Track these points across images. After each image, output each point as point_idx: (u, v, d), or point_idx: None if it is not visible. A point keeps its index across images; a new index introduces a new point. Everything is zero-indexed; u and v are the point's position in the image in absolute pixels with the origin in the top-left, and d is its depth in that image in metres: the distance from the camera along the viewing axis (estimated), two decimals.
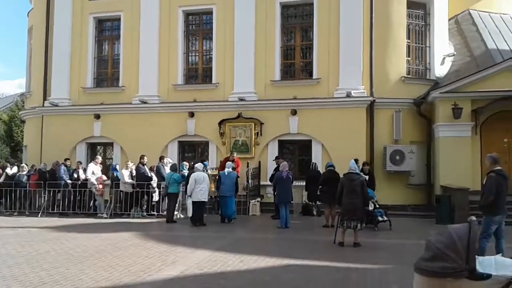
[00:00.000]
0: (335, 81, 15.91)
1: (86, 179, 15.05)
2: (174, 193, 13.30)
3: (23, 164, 17.12)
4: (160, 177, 14.32)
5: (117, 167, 15.24)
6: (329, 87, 15.98)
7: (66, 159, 16.04)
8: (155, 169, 14.77)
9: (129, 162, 14.91)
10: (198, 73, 17.93)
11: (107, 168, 16.47)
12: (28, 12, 21.70)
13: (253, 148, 16.30)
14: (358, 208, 9.45)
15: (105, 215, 14.36)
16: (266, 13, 16.59)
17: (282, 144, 16.64)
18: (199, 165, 13.16)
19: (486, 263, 3.50)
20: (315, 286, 6.48)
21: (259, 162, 16.04)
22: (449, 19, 18.32)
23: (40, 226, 12.29)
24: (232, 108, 16.58)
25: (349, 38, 15.78)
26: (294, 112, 16.04)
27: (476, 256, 3.38)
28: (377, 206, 12.10)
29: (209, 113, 16.79)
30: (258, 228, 12.67)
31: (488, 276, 3.27)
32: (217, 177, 13.82)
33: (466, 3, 19.33)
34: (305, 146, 16.46)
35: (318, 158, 15.55)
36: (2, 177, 16.02)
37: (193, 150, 17.89)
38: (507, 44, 16.58)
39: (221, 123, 16.54)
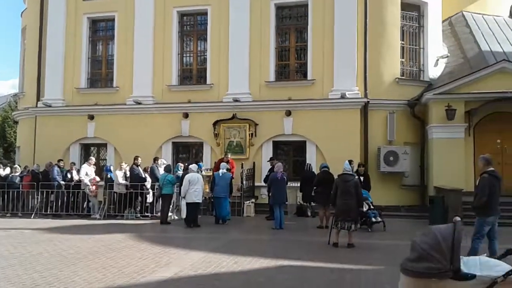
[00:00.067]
0: (329, 82, 15.94)
1: (79, 180, 14.97)
2: (168, 194, 13.27)
3: (16, 165, 17.01)
4: (154, 178, 14.28)
5: (111, 168, 15.18)
6: (324, 88, 16.01)
7: (59, 160, 15.96)
8: (149, 170, 14.73)
9: (123, 163, 14.86)
10: (193, 74, 17.91)
11: (101, 169, 16.41)
12: (22, 12, 21.60)
13: (248, 149, 16.29)
14: (352, 209, 9.48)
15: (97, 216, 14.31)
16: (261, 14, 16.60)
17: (277, 145, 16.65)
18: (193, 166, 13.13)
19: (471, 264, 3.52)
20: (309, 287, 6.48)
21: (254, 163, 16.04)
22: (443, 21, 18.43)
23: (33, 228, 12.22)
24: (226, 109, 16.57)
25: (344, 39, 15.82)
26: (288, 113, 16.06)
27: (461, 257, 3.39)
28: (372, 207, 12.12)
29: (203, 114, 16.77)
30: (253, 229, 12.66)
31: (473, 276, 3.28)
32: (211, 178, 13.79)
33: (459, 5, 19.45)
34: (299, 147, 16.48)
35: (312, 159, 15.58)
36: None
37: (187, 151, 17.85)
38: (500, 46, 16.69)
39: (215, 124, 16.52)
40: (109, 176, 14.71)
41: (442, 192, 13.74)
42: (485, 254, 3.65)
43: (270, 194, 12.65)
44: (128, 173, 14.52)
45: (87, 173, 14.94)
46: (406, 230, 12.38)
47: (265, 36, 16.57)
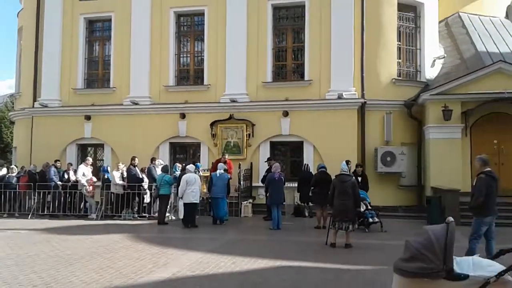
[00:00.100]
0: (326, 83, 15.96)
1: (76, 181, 14.93)
2: (165, 194, 13.25)
3: (12, 166, 16.97)
4: (152, 178, 14.26)
5: (108, 168, 15.15)
6: (321, 89, 16.03)
7: (56, 161, 15.92)
8: (146, 170, 14.71)
9: (120, 164, 14.83)
10: (190, 75, 17.89)
11: (98, 170, 16.38)
12: (18, 13, 21.52)
13: (245, 150, 16.29)
14: (350, 209, 9.50)
15: (94, 216, 14.28)
16: (258, 14, 16.61)
17: (274, 146, 16.65)
18: (190, 167, 13.13)
19: (464, 264, 3.53)
20: (307, 287, 6.49)
21: (251, 163, 16.04)
22: (439, 22, 18.50)
23: (30, 228, 12.18)
24: (223, 109, 16.57)
25: (340, 40, 15.85)
26: (286, 114, 16.07)
27: (454, 257, 3.41)
28: (370, 207, 12.13)
29: (200, 115, 16.76)
30: (250, 230, 12.65)
31: (466, 276, 3.29)
32: (208, 179, 13.79)
33: (456, 6, 19.53)
34: (296, 148, 16.50)
35: (309, 160, 15.59)
36: None
37: (184, 152, 17.84)
38: (497, 47, 16.76)
39: (212, 124, 16.52)
40: (106, 176, 14.68)
41: (439, 193, 13.78)
42: (478, 255, 3.66)
43: (267, 195, 12.66)
44: (125, 174, 14.49)
45: (84, 173, 14.90)
46: (403, 230, 12.39)
47: (262, 36, 16.57)
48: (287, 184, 13.62)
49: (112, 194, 14.37)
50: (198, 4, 17.27)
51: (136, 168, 14.56)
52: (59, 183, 14.97)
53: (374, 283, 6.74)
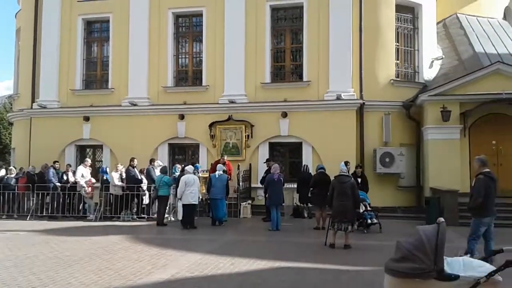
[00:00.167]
0: (325, 84, 15.97)
1: (75, 182, 14.91)
2: (164, 195, 13.24)
3: (11, 167, 16.93)
4: (150, 179, 14.25)
5: (107, 169, 15.13)
6: (319, 90, 16.04)
7: (55, 162, 15.89)
8: (145, 171, 14.70)
9: (119, 165, 14.81)
10: (188, 76, 17.89)
11: (97, 171, 16.36)
12: (16, 13, 21.52)
13: (244, 151, 16.29)
14: (349, 210, 9.51)
15: (92, 217, 14.28)
16: (256, 15, 16.62)
17: (273, 147, 16.65)
18: (189, 168, 13.12)
19: (454, 264, 3.55)
20: None
21: (250, 164, 16.04)
22: (437, 23, 18.53)
23: (29, 230, 12.16)
24: (222, 110, 16.57)
25: (339, 41, 15.87)
26: (284, 115, 16.08)
27: (445, 257, 3.42)
28: (369, 208, 12.12)
29: (199, 116, 16.76)
30: (249, 231, 12.65)
31: (456, 277, 3.30)
32: (207, 180, 13.78)
33: (454, 7, 19.57)
34: (295, 149, 16.50)
35: (308, 161, 15.59)
36: None
37: (183, 153, 17.83)
38: (495, 48, 16.79)
39: (211, 125, 16.52)
40: (105, 177, 14.67)
41: (438, 193, 13.80)
42: (468, 255, 3.69)
43: (266, 196, 12.66)
44: (124, 175, 14.48)
45: (82, 174, 14.89)
46: (402, 231, 12.39)
47: (260, 37, 16.58)
48: (286, 185, 13.61)
49: (111, 195, 14.35)
50: (197, 5, 17.28)
51: (135, 169, 14.54)
52: (58, 184, 14.94)
53: (373, 284, 6.74)
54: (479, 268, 3.43)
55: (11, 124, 23.44)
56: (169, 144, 17.36)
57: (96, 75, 18.71)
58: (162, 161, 15.95)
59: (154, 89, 17.38)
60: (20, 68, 20.47)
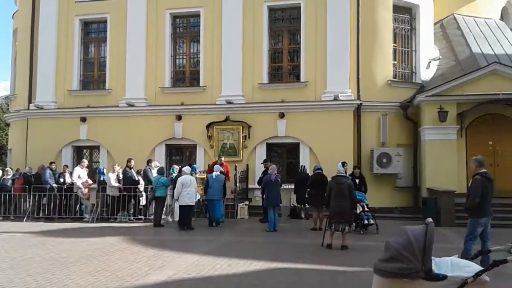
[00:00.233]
0: (322, 85, 15.98)
1: (72, 183, 14.87)
2: (161, 196, 13.22)
3: (7, 168, 16.84)
4: (147, 180, 14.22)
5: (104, 170, 15.10)
6: (317, 91, 16.05)
7: (51, 163, 15.84)
8: (142, 172, 14.67)
9: (116, 166, 14.79)
10: (186, 76, 17.87)
11: (94, 172, 16.33)
12: (13, 14, 21.46)
13: (241, 151, 16.28)
14: (346, 211, 9.51)
15: (88, 218, 14.25)
16: (254, 16, 16.61)
17: (270, 147, 16.65)
18: (186, 169, 13.09)
19: (442, 264, 3.57)
20: None
21: (247, 165, 16.03)
22: (435, 24, 18.58)
23: (25, 231, 12.12)
24: (219, 111, 16.55)
25: (336, 41, 15.88)
26: (282, 115, 16.08)
27: (432, 257, 3.43)
28: (367, 209, 12.11)
29: (196, 116, 16.74)
30: (246, 232, 12.64)
31: (444, 277, 3.32)
32: (205, 181, 13.76)
33: (451, 7, 19.60)
34: (293, 149, 16.50)
35: (306, 161, 15.59)
36: None
37: (180, 154, 17.80)
38: (492, 48, 16.83)
39: (208, 126, 16.50)
40: (102, 178, 14.62)
41: (435, 194, 13.82)
42: (456, 255, 3.71)
43: (264, 196, 12.64)
44: (121, 176, 14.45)
45: (79, 175, 14.84)
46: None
47: (258, 38, 16.58)
48: (284, 186, 13.61)
49: (108, 197, 14.32)
50: (194, 6, 17.26)
51: (132, 170, 14.52)
52: (55, 185, 14.90)
53: (370, 284, 6.64)
54: (466, 268, 3.46)
55: (7, 125, 23.37)
56: (166, 145, 17.33)
57: (93, 75, 18.68)
58: (159, 162, 15.91)
59: (152, 89, 17.35)
60: (17, 69, 20.42)
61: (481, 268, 3.38)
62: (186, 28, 18.06)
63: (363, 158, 15.73)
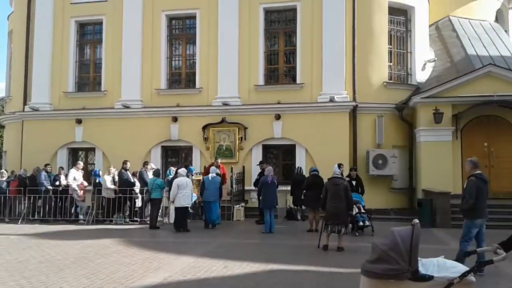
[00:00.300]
0: (318, 86, 16.01)
1: (67, 185, 14.81)
2: (157, 198, 13.19)
3: (2, 170, 16.71)
4: (143, 182, 14.19)
5: (99, 172, 15.05)
6: (313, 92, 16.07)
7: (46, 165, 15.78)
8: (137, 174, 14.63)
9: (112, 168, 14.74)
10: (182, 78, 17.86)
11: (89, 174, 16.28)
12: (8, 16, 21.39)
13: (237, 153, 16.28)
14: (342, 212, 9.51)
15: (82, 220, 14.21)
16: (250, 18, 16.63)
17: (266, 149, 16.65)
18: (182, 171, 13.07)
19: (429, 265, 3.60)
20: None
21: (243, 167, 16.02)
22: (430, 25, 18.66)
23: (20, 233, 12.06)
24: (216, 112, 16.55)
25: (332, 43, 15.92)
26: (278, 117, 16.09)
27: (419, 258, 3.46)
28: (363, 211, 12.12)
29: (192, 118, 16.73)
30: (243, 233, 12.62)
31: (430, 277, 3.34)
32: (201, 182, 13.74)
33: (446, 9, 19.69)
34: (289, 151, 16.51)
35: (302, 163, 15.59)
36: None
37: (176, 155, 17.78)
38: (486, 50, 16.90)
39: (205, 128, 16.49)
40: (97, 180, 14.59)
41: (430, 195, 13.86)
42: (442, 256, 3.74)
43: (260, 198, 12.63)
44: (116, 178, 14.40)
45: (75, 177, 14.79)
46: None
47: (254, 40, 16.59)
48: (280, 187, 13.60)
49: (104, 198, 14.25)
50: (190, 7, 17.26)
51: (128, 172, 14.48)
52: (50, 187, 14.84)
53: None
54: (452, 268, 3.48)
55: (2, 127, 23.26)
56: (162, 146, 17.31)
57: (88, 77, 18.63)
58: (155, 163, 15.87)
59: (147, 91, 17.32)
60: (12, 71, 20.34)
61: (467, 269, 3.41)
62: (182, 30, 18.05)
63: (359, 159, 15.75)
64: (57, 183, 14.98)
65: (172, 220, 12.86)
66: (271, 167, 12.99)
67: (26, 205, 14.92)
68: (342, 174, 10.62)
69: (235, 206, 14.75)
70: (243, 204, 15.16)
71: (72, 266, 7.91)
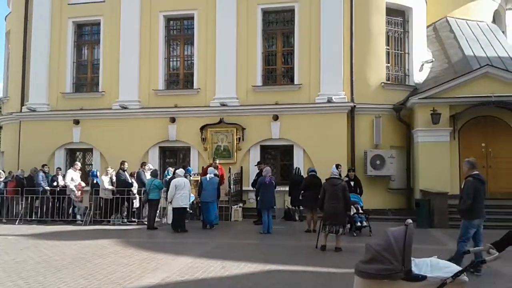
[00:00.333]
0: (316, 87, 16.02)
1: (65, 186, 14.78)
2: (154, 199, 13.17)
3: (0, 171, 16.73)
4: (141, 183, 14.17)
5: (97, 173, 15.03)
6: (310, 93, 16.08)
7: (44, 165, 15.73)
8: (135, 175, 14.62)
9: (109, 168, 14.71)
10: (179, 78, 17.85)
11: (87, 174, 16.25)
12: (6, 16, 21.35)
13: (235, 154, 16.27)
14: (340, 213, 9.53)
15: (80, 221, 14.18)
16: (248, 18, 16.63)
17: (264, 149, 16.65)
18: (179, 171, 13.07)
19: (422, 265, 3.62)
20: None
21: (241, 167, 16.01)
22: (427, 26, 18.70)
23: (18, 234, 12.03)
24: (213, 113, 16.54)
25: (330, 44, 15.92)
26: (276, 118, 16.09)
27: (412, 258, 3.47)
28: (361, 211, 12.12)
29: (190, 119, 16.72)
30: (240, 234, 12.62)
31: (423, 277, 3.36)
32: (199, 183, 13.73)
33: (443, 10, 19.73)
34: (287, 151, 16.52)
35: (300, 163, 15.59)
36: None
37: (174, 156, 17.76)
38: (484, 51, 16.94)
39: (202, 128, 16.48)
40: (95, 181, 14.56)
41: (428, 195, 13.87)
42: (435, 256, 3.76)
43: (258, 199, 12.63)
44: (114, 178, 14.38)
45: (72, 178, 14.76)
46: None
47: (252, 40, 16.59)
48: (278, 188, 13.60)
49: (101, 199, 14.24)
50: (188, 8, 17.25)
51: (126, 172, 14.46)
52: (47, 188, 14.81)
53: None
54: (445, 268, 3.50)
55: (0, 127, 23.20)
56: (160, 147, 17.29)
57: (86, 78, 18.61)
58: (153, 164, 15.87)
59: (145, 92, 17.31)
60: (9, 71, 20.31)
61: (460, 269, 3.43)
62: (180, 31, 18.05)
63: (356, 160, 15.76)
64: (55, 183, 14.95)
65: (170, 221, 12.84)
66: (269, 168, 13.01)
67: (23, 206, 14.89)
68: (340, 174, 10.63)
69: (233, 206, 14.74)
70: (241, 204, 15.16)
71: (69, 267, 7.90)
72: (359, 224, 11.80)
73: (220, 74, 16.59)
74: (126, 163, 14.58)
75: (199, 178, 14.20)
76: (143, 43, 17.38)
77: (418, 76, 17.04)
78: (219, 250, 9.83)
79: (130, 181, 14.29)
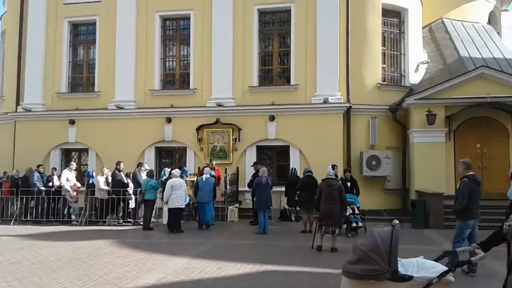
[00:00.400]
0: (312, 88, 16.04)
1: (60, 186, 14.73)
2: (150, 199, 13.14)
3: None
4: (137, 183, 14.14)
5: (93, 173, 14.98)
6: (307, 93, 16.10)
7: (39, 166, 15.68)
8: (131, 175, 14.58)
9: (105, 169, 14.67)
10: (176, 79, 17.82)
11: (82, 175, 16.19)
12: (1, 15, 21.25)
13: (231, 154, 16.26)
14: (336, 213, 9.53)
15: (75, 221, 14.14)
16: (244, 19, 16.63)
17: (260, 150, 16.66)
18: (175, 171, 13.05)
19: (408, 265, 3.64)
20: None
21: (237, 168, 16.01)
22: (423, 27, 18.77)
23: (13, 234, 11.98)
24: (210, 113, 16.53)
25: (326, 45, 15.95)
26: (272, 118, 16.10)
27: (399, 259, 3.49)
28: (357, 212, 12.13)
29: (186, 119, 16.69)
30: (236, 234, 12.60)
31: (410, 277, 3.38)
32: (194, 183, 13.72)
33: (439, 11, 19.81)
34: (283, 152, 16.53)
35: (296, 164, 15.61)
36: None
37: (170, 156, 17.74)
38: (479, 52, 17.02)
39: (199, 128, 16.46)
40: (90, 181, 14.51)
41: (423, 196, 13.91)
42: (421, 256, 3.77)
43: (254, 199, 12.62)
44: (110, 179, 14.34)
45: (68, 178, 14.71)
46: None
47: (248, 41, 16.59)
48: (274, 188, 13.60)
49: (97, 200, 14.19)
50: (184, 8, 17.23)
51: (121, 173, 14.42)
52: (43, 188, 14.75)
53: None
54: (432, 268, 3.52)
55: None
56: (156, 147, 17.26)
57: (82, 78, 18.55)
58: (148, 164, 15.85)
59: (141, 92, 17.27)
60: (4, 71, 20.21)
61: (446, 269, 3.44)
62: (176, 31, 18.02)
63: (352, 160, 15.79)
64: (50, 184, 14.90)
65: (165, 221, 12.81)
66: (265, 168, 13.00)
67: (18, 206, 14.83)
68: (336, 175, 10.64)
69: (229, 207, 14.73)
70: (237, 205, 15.15)
71: (65, 267, 7.87)
72: (354, 224, 11.82)
73: (216, 75, 16.58)
74: (122, 164, 14.54)
75: (195, 179, 14.18)
76: (139, 43, 17.35)
77: (414, 77, 17.10)
78: (215, 250, 9.82)
79: (126, 182, 14.26)
